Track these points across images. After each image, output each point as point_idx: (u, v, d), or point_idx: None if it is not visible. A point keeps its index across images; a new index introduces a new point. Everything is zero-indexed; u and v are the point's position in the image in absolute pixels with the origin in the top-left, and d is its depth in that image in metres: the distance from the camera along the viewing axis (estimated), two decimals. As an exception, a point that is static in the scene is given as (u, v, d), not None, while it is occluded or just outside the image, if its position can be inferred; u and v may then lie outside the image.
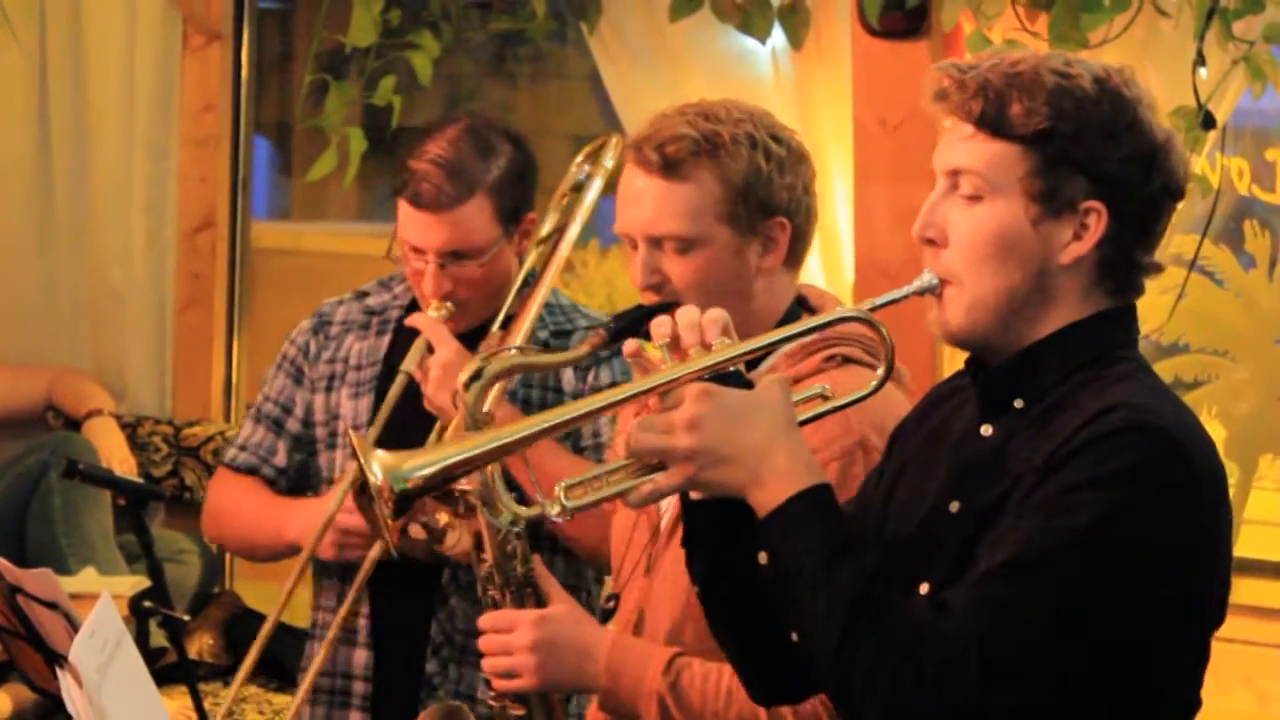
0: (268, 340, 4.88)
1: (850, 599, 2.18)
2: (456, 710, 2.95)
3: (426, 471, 2.23)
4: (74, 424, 5.20)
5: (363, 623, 3.55)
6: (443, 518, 3.01)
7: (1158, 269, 2.36)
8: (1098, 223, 2.28)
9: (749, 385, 2.27)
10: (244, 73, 5.41)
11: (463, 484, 2.73)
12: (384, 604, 3.55)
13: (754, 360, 2.70)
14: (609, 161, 3.49)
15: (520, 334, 3.31)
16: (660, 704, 2.74)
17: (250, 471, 3.64)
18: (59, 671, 2.61)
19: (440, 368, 3.25)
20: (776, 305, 2.87)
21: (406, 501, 2.22)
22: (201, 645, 4.87)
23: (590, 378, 3.43)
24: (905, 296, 2.33)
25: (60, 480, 4.71)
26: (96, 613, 2.40)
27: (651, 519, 2.91)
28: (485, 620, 2.83)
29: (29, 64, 5.38)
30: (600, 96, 5.04)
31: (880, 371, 2.34)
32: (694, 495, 2.32)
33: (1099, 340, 2.32)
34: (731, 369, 2.27)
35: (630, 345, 2.32)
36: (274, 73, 5.93)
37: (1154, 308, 4.26)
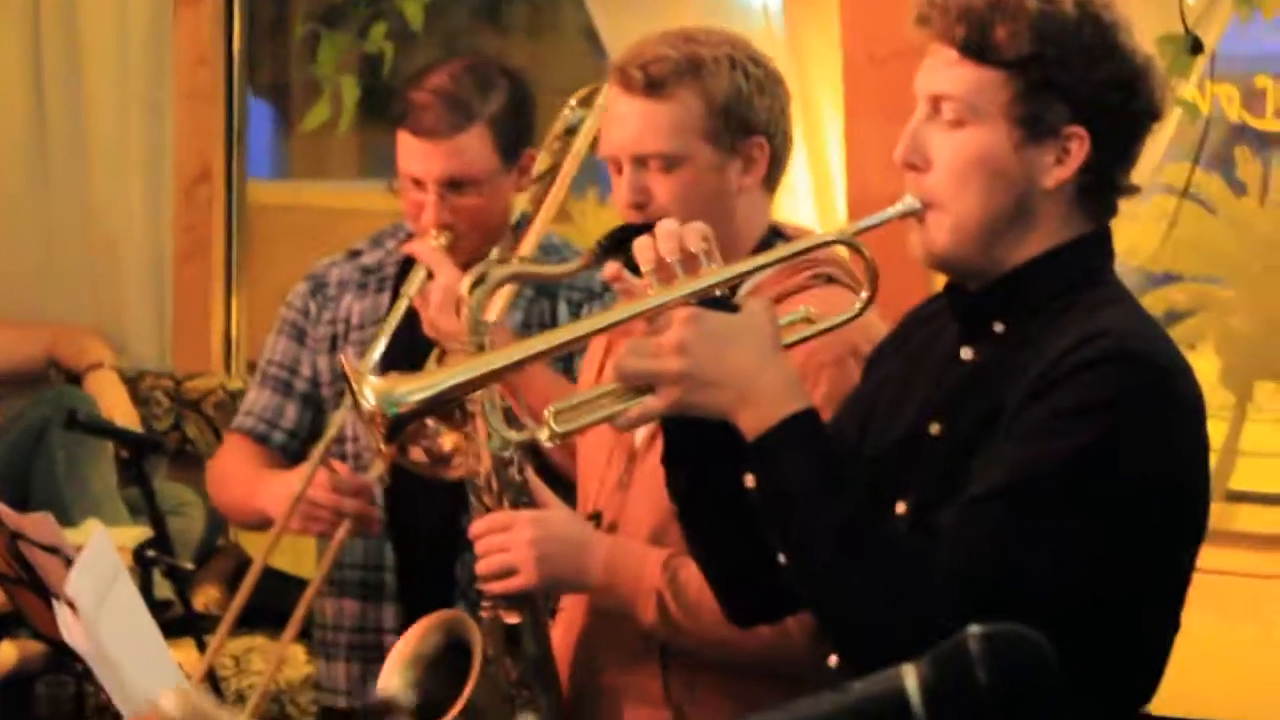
0: (268, 292, 4.90)
1: (841, 524, 2.20)
2: (457, 619, 2.98)
3: (420, 396, 2.25)
4: (76, 379, 5.20)
5: (389, 577, 3.59)
6: (447, 442, 3.02)
7: (1134, 190, 2.38)
8: (1080, 147, 2.30)
9: (735, 309, 2.29)
10: (236, 26, 5.40)
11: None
12: (409, 556, 3.59)
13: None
14: (602, 104, 3.51)
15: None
16: (659, 600, 2.81)
17: (260, 438, 3.66)
18: (55, 604, 2.62)
19: (441, 291, 3.25)
20: (755, 225, 2.93)
21: (399, 426, 2.23)
22: (207, 598, 4.88)
23: (584, 314, 3.45)
24: (888, 219, 2.35)
25: (63, 434, 4.71)
26: (90, 547, 2.41)
27: (626, 444, 2.95)
28: (481, 523, 2.88)
29: (21, 20, 5.37)
30: (595, 51, 5.04)
31: (864, 294, 2.37)
32: None
33: (1080, 264, 2.34)
34: (718, 293, 2.30)
35: (611, 269, 2.34)
36: (270, 31, 5.92)
37: (1145, 237, 4.27)
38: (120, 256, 5.43)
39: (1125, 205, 2.41)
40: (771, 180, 2.97)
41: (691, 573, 2.78)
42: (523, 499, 2.88)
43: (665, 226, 2.32)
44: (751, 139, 2.91)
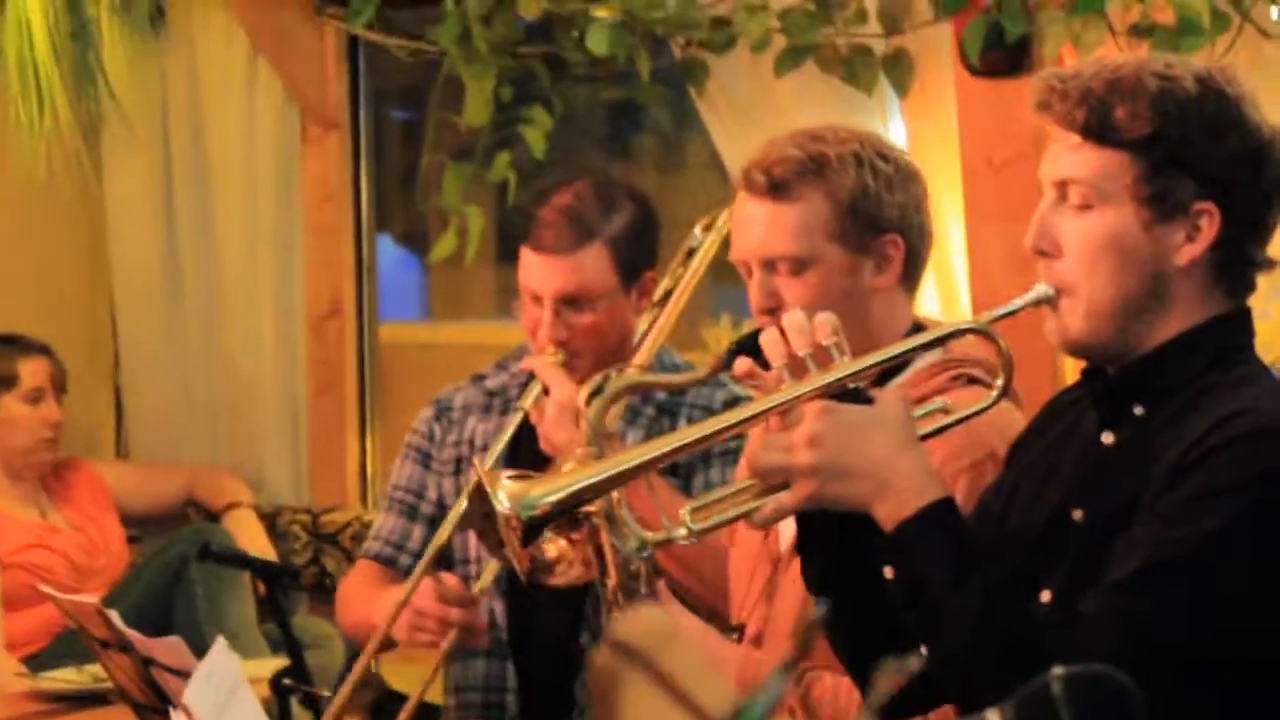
0: (402, 427, 4.93)
1: (979, 611, 2.19)
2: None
3: (554, 498, 2.26)
4: (214, 518, 5.25)
5: (510, 698, 3.59)
6: (551, 550, 3.01)
7: (1271, 265, 2.36)
8: (1210, 223, 2.28)
9: (869, 401, 2.28)
10: (363, 162, 5.46)
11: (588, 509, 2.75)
12: (529, 676, 3.59)
13: (884, 379, 2.72)
14: (722, 228, 3.52)
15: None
16: (791, 717, 2.75)
17: (388, 561, 3.68)
18: (173, 714, 2.61)
19: (556, 407, 3.25)
20: (896, 325, 2.87)
21: (535, 529, 2.24)
22: (348, 730, 4.87)
23: None
24: (1022, 307, 2.34)
25: (201, 571, 4.75)
26: (211, 655, 2.40)
27: (772, 551, 2.91)
28: None
29: (152, 163, 5.45)
30: (724, 183, 5.02)
31: (999, 383, 2.35)
32: None
33: (1219, 343, 2.32)
34: (851, 386, 2.29)
35: (742, 366, 2.33)
36: (398, 166, 5.97)
37: (1278, 334, 4.20)
38: (254, 393, 5.47)
39: (1256, 302, 2.38)
40: (910, 278, 2.90)
41: (824, 689, 2.75)
42: None
43: (794, 320, 2.31)
44: (884, 237, 2.84)
